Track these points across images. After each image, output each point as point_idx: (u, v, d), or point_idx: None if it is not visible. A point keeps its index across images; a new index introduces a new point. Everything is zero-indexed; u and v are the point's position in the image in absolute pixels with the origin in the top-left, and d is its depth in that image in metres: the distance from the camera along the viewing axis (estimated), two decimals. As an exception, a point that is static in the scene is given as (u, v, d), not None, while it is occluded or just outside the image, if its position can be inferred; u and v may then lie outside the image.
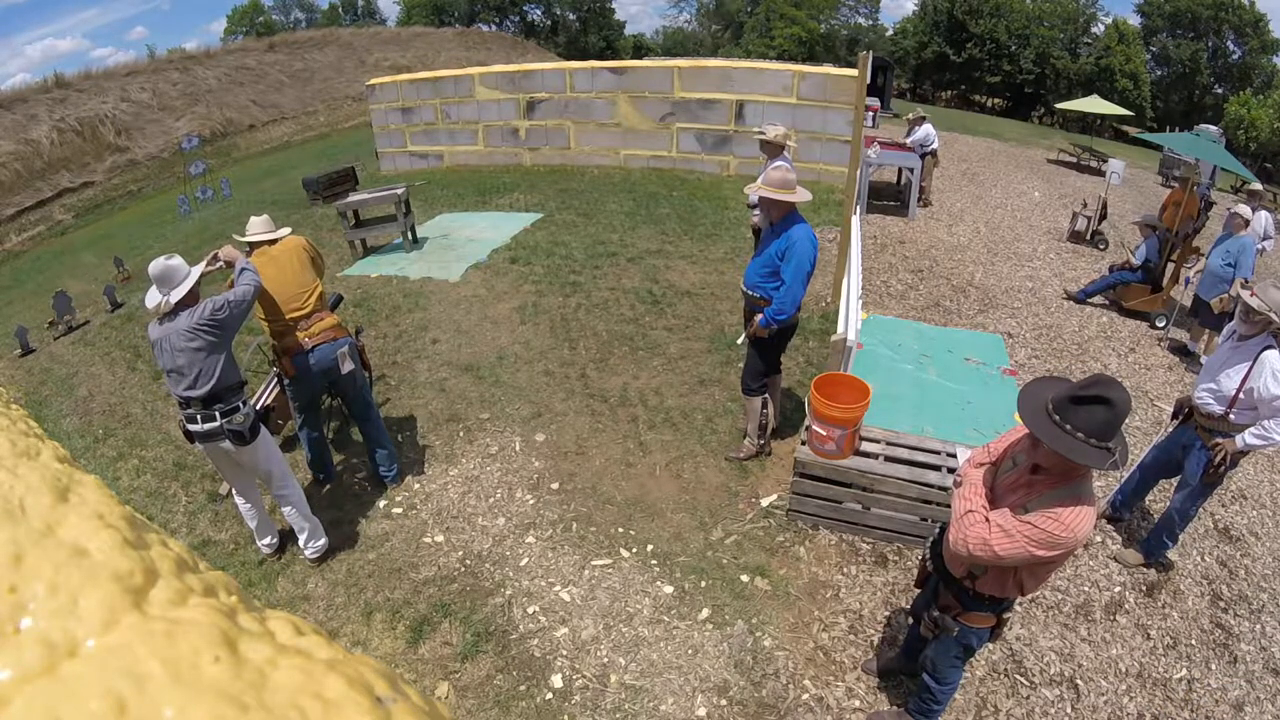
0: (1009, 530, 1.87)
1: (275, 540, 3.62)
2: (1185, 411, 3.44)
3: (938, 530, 2.39)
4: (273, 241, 3.75)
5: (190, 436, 3.17)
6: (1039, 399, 1.88)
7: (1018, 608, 3.27)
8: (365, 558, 3.62)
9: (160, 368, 3.14)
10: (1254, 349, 3.06)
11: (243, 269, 3.27)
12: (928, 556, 2.38)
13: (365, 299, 6.82)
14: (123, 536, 0.73)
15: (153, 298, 3.00)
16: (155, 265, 2.94)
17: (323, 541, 3.57)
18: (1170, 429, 3.62)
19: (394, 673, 0.69)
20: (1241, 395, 3.08)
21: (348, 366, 3.71)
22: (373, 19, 47.16)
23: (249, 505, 3.49)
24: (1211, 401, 3.22)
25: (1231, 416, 3.15)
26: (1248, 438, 3.07)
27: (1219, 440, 3.19)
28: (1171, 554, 3.66)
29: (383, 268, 7.60)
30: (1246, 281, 5.47)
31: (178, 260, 2.99)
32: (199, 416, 3.06)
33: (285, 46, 27.78)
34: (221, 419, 3.07)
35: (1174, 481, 3.61)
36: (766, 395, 4.04)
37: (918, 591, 2.62)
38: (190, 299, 3.01)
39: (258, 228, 3.76)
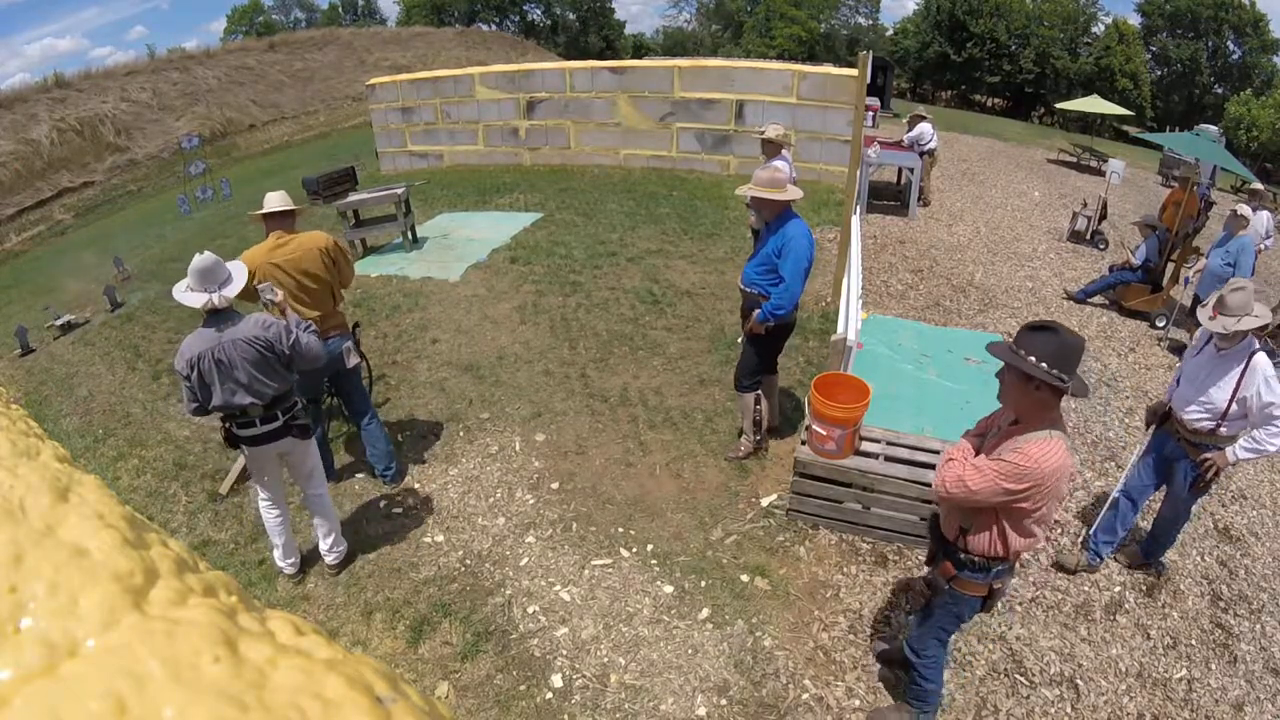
0: (980, 467, 2.06)
1: (298, 561, 3.50)
2: (1161, 416, 3.27)
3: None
4: (290, 217, 3.63)
5: (236, 442, 3.08)
6: (1006, 342, 2.12)
7: (1018, 607, 3.27)
8: (365, 558, 3.62)
9: (187, 380, 2.85)
10: (1241, 354, 2.91)
11: (307, 325, 3.10)
12: (929, 533, 2.50)
13: (365, 299, 6.82)
14: (123, 536, 0.73)
15: (195, 297, 2.78)
16: (201, 259, 2.75)
17: (344, 547, 3.53)
18: (1147, 439, 3.42)
19: (394, 673, 0.69)
20: (1234, 406, 2.91)
21: (353, 361, 3.74)
22: (373, 19, 47.20)
23: (280, 518, 3.33)
24: (1203, 415, 3.03)
25: (1223, 430, 3.00)
26: (1239, 451, 2.94)
27: (1209, 456, 3.03)
28: (1171, 554, 3.66)
29: (383, 267, 7.60)
30: (1201, 300, 5.40)
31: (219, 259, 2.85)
32: (259, 420, 3.00)
33: (285, 46, 27.81)
34: (284, 417, 3.06)
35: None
36: (759, 393, 4.05)
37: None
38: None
39: (275, 203, 3.63)
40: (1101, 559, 3.50)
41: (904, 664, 2.86)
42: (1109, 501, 3.56)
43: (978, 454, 2.20)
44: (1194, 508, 3.43)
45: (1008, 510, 2.08)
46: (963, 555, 2.24)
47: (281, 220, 3.62)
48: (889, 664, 2.94)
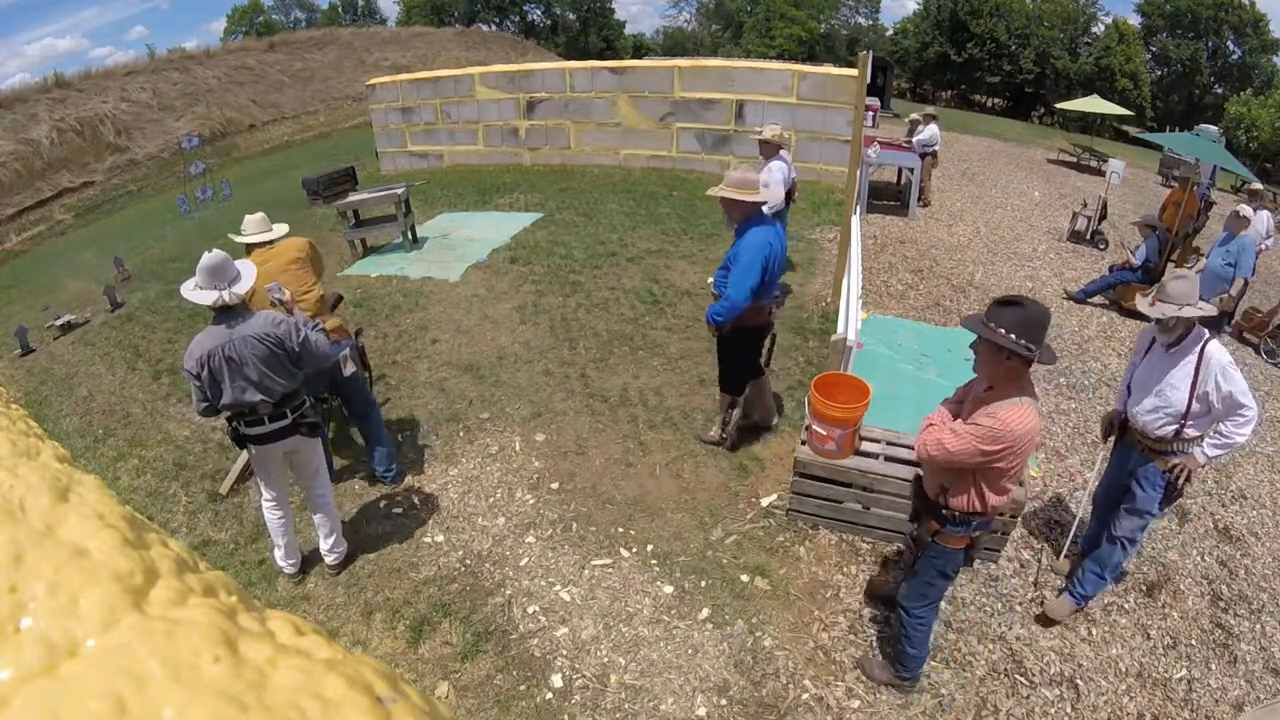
0: (958, 431, 2.24)
1: (299, 561, 3.50)
2: (1119, 427, 3.08)
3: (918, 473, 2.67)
4: (270, 243, 3.75)
5: (242, 441, 3.08)
6: (978, 315, 2.27)
7: (1018, 607, 3.27)
8: (365, 558, 3.62)
9: (197, 379, 2.85)
10: (1191, 348, 2.73)
11: (315, 324, 3.11)
12: (912, 493, 2.66)
13: (365, 299, 6.82)
14: (123, 536, 0.73)
15: (205, 295, 2.78)
16: (210, 257, 2.76)
17: (345, 547, 3.53)
18: (1106, 456, 3.22)
19: (394, 673, 0.69)
20: (1195, 404, 2.72)
21: (349, 370, 3.71)
22: (373, 19, 47.17)
23: (283, 519, 3.33)
24: (1163, 420, 2.82)
25: (1188, 430, 2.79)
26: (1208, 449, 2.78)
27: (1177, 460, 2.84)
28: (1171, 554, 3.66)
29: (383, 267, 7.60)
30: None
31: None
32: (267, 418, 3.00)
33: (285, 46, 27.81)
34: (293, 415, 3.06)
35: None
36: (734, 398, 4.09)
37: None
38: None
39: (253, 227, 3.75)
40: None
41: (890, 603, 3.02)
42: (1075, 525, 3.47)
43: (955, 419, 2.35)
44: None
45: (984, 470, 2.25)
46: (944, 511, 2.41)
47: (256, 248, 3.73)
48: (886, 603, 3.06)
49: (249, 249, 3.71)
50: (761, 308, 3.73)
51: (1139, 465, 2.99)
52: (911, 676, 2.82)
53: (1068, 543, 3.54)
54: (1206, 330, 2.76)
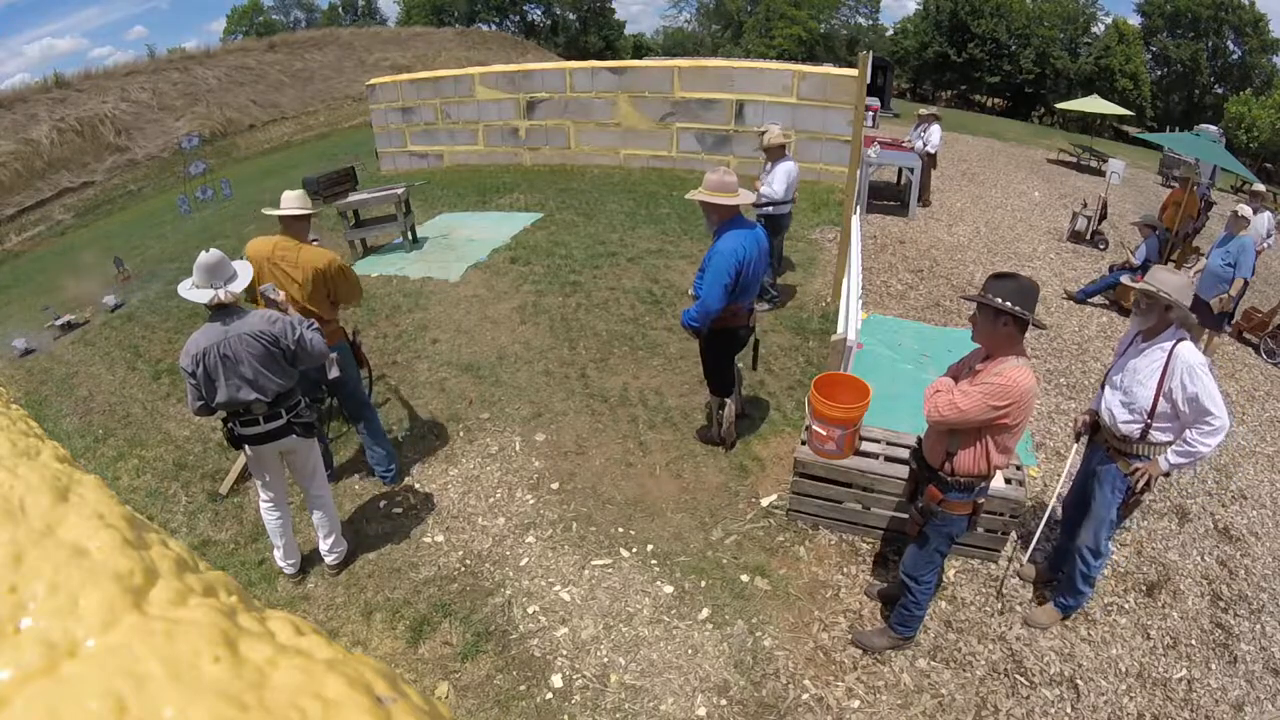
0: (967, 391, 2.41)
1: (299, 562, 3.49)
2: (1092, 427, 3.01)
3: (916, 441, 2.81)
4: (304, 222, 3.61)
5: (238, 442, 3.07)
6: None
7: (1018, 607, 3.27)
8: (365, 558, 3.62)
9: (192, 377, 2.84)
10: (1164, 344, 2.68)
11: (310, 324, 3.08)
12: (913, 464, 2.78)
13: (365, 299, 6.80)
14: (123, 536, 0.73)
15: (201, 294, 2.79)
16: (207, 256, 2.76)
17: (345, 547, 3.53)
18: (1080, 453, 3.14)
19: (394, 673, 0.69)
20: (1161, 401, 2.65)
21: (333, 374, 3.66)
22: (373, 19, 47.17)
23: (281, 519, 3.32)
24: (1127, 416, 2.76)
25: (1153, 433, 2.72)
26: (1171, 458, 2.68)
27: (1139, 465, 2.77)
28: (1172, 554, 3.66)
29: (383, 268, 7.60)
30: (1203, 300, 5.28)
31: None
32: (263, 418, 2.99)
33: (285, 46, 27.82)
34: (288, 415, 3.05)
35: None
36: (724, 398, 4.09)
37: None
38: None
39: (291, 202, 3.59)
40: (1051, 568, 3.39)
41: (891, 602, 3.10)
42: (1040, 528, 3.37)
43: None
44: (1110, 542, 3.05)
45: (992, 428, 2.41)
46: (949, 479, 2.55)
47: (294, 224, 3.60)
48: (888, 602, 3.16)
49: (282, 222, 3.58)
50: (738, 310, 3.72)
51: (1101, 464, 2.91)
52: (911, 634, 2.98)
53: (1030, 548, 3.42)
54: (1186, 331, 2.71)
